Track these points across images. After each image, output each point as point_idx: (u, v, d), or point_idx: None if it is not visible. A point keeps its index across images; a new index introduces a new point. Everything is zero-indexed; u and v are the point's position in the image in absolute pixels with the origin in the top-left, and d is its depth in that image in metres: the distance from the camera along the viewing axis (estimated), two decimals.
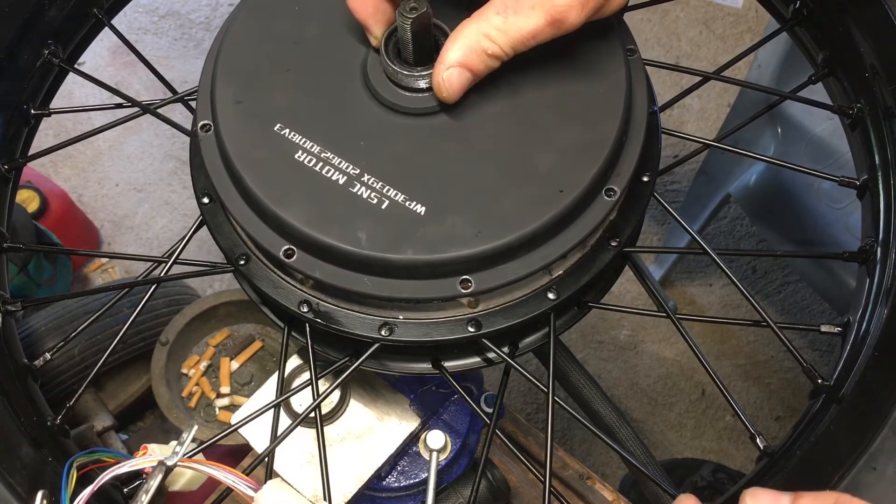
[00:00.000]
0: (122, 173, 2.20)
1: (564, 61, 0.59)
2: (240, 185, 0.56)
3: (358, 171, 0.55)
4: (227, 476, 0.53)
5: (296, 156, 0.56)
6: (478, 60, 0.54)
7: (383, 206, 0.54)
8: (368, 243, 0.53)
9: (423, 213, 0.54)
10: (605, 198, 0.56)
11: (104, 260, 2.04)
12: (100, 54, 2.35)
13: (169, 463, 0.50)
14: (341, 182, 0.55)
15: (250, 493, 0.52)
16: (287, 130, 0.57)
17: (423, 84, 0.57)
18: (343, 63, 0.60)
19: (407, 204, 0.54)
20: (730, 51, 2.28)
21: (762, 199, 1.50)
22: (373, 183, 0.55)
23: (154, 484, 0.49)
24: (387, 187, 0.55)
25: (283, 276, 0.59)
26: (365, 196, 0.54)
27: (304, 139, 0.57)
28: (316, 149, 0.56)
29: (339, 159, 0.56)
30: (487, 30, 0.53)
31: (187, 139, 0.64)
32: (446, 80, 0.55)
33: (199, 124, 0.59)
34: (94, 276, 2.04)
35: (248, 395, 1.43)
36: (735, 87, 1.77)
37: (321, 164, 0.56)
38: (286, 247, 0.55)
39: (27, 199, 1.81)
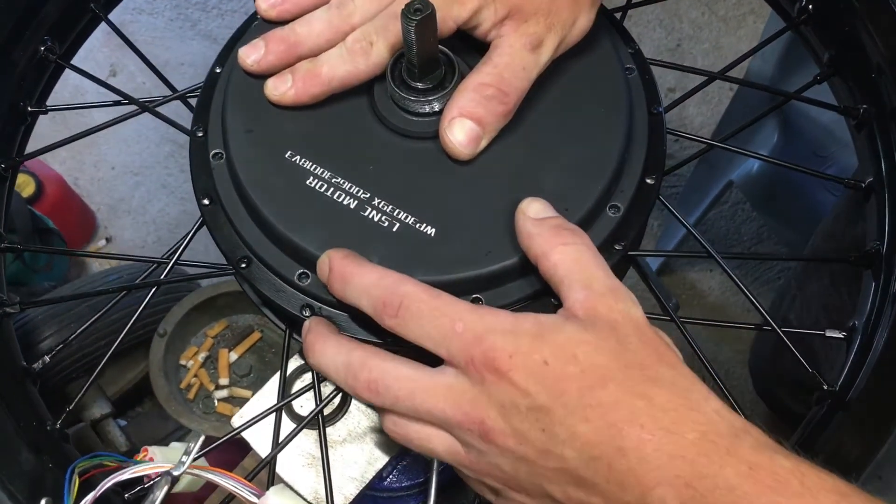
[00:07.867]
0: (119, 156, 2.18)
1: (566, 84, 0.60)
2: (254, 212, 0.57)
3: (368, 195, 0.56)
4: (230, 482, 0.52)
5: (307, 182, 0.57)
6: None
7: (394, 229, 0.55)
8: (381, 266, 0.53)
9: (433, 235, 0.54)
10: (610, 214, 0.57)
11: (101, 245, 2.03)
12: (94, 35, 2.32)
13: (175, 473, 0.50)
14: (352, 206, 0.56)
15: (253, 498, 0.53)
16: (298, 157, 0.58)
17: (428, 109, 0.58)
18: (350, 89, 0.60)
19: (417, 226, 0.55)
20: (732, 33, 2.26)
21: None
22: (383, 206, 0.56)
23: (160, 496, 0.48)
24: (397, 210, 0.55)
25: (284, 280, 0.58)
26: (376, 219, 0.55)
27: (314, 165, 0.57)
28: (326, 174, 0.57)
29: (350, 184, 0.57)
30: None
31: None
32: None
33: (211, 153, 0.60)
34: (91, 261, 2.02)
35: (247, 387, 1.43)
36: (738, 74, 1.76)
37: (332, 189, 0.57)
38: (300, 271, 0.56)
39: (22, 184, 1.78)
